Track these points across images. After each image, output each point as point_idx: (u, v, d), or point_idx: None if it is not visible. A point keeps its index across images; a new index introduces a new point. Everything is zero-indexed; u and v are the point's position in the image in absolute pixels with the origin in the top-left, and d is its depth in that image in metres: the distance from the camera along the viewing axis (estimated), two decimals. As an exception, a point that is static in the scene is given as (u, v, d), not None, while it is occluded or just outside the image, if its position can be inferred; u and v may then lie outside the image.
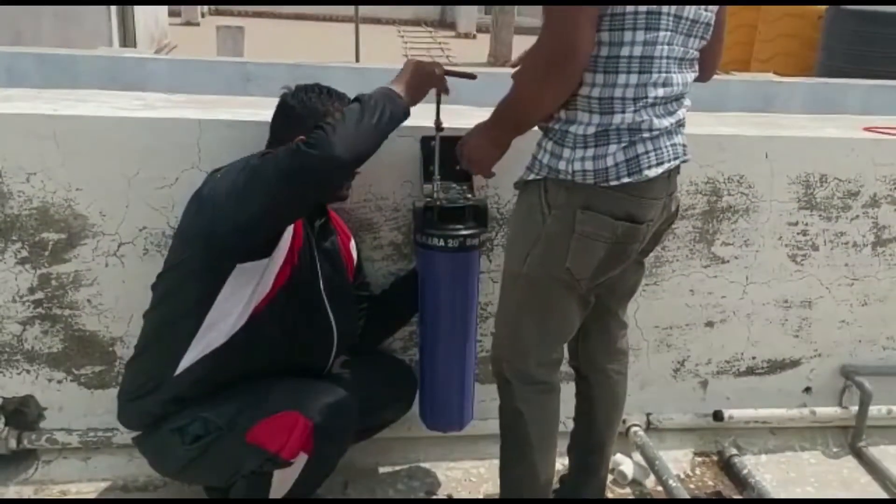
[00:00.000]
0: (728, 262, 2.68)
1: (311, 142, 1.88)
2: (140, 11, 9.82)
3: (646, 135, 1.79)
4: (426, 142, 2.34)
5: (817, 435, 2.88)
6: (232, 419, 1.98)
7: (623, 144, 1.77)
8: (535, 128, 1.94)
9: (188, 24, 16.47)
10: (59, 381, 2.47)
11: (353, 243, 2.36)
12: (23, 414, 2.47)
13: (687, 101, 1.89)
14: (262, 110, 2.28)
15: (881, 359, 2.90)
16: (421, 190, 2.35)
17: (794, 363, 2.86)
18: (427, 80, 2.10)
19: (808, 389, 2.90)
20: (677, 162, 1.88)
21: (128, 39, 9.56)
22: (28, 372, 2.45)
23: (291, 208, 1.98)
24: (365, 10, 12.76)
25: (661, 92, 1.79)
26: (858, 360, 2.88)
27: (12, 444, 2.44)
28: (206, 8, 18.18)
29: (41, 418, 2.50)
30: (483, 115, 2.22)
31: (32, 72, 3.75)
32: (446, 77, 2.14)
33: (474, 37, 17.31)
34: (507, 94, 1.88)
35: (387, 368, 2.44)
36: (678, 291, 2.67)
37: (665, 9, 1.72)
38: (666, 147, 1.83)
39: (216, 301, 1.97)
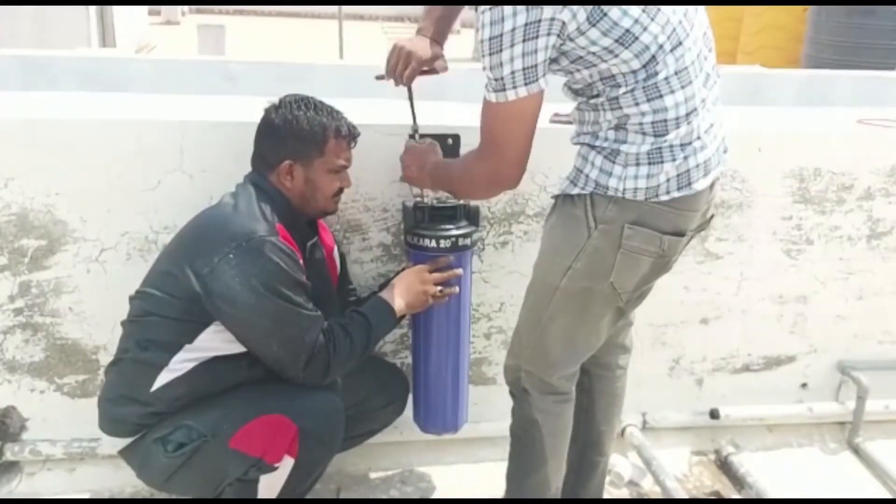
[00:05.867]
0: (722, 258, 2.64)
1: (316, 368, 1.97)
2: (119, 11, 9.68)
3: (697, 144, 1.73)
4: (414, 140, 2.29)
5: (814, 431, 2.85)
6: (215, 425, 1.93)
7: (677, 161, 1.71)
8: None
9: (168, 23, 16.31)
10: (42, 391, 2.41)
11: (336, 251, 2.31)
12: (5, 425, 2.41)
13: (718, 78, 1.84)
14: (247, 110, 2.23)
15: (877, 353, 2.88)
16: (410, 189, 2.30)
17: (790, 359, 2.83)
18: (423, 299, 2.16)
19: (804, 385, 2.87)
20: (721, 168, 1.83)
21: (107, 40, 9.41)
22: (9, 382, 2.39)
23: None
24: (348, 6, 12.67)
25: (704, 93, 1.74)
26: (854, 355, 2.85)
27: (-6, 456, 2.38)
28: (186, 6, 18.02)
29: (24, 429, 2.44)
30: (467, 110, 2.18)
31: (10, 74, 3.67)
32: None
33: (458, 32, 17.23)
34: (450, 175, 2.01)
35: (377, 372, 2.39)
36: (672, 289, 2.63)
37: (673, 18, 1.66)
38: (713, 156, 1.78)
39: (198, 337, 1.95)
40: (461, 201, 2.22)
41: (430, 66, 2.10)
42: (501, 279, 2.54)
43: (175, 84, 3.57)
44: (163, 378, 1.95)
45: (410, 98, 2.17)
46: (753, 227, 2.63)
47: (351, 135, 2.08)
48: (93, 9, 8.73)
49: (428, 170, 2.08)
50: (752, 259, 2.66)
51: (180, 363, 1.95)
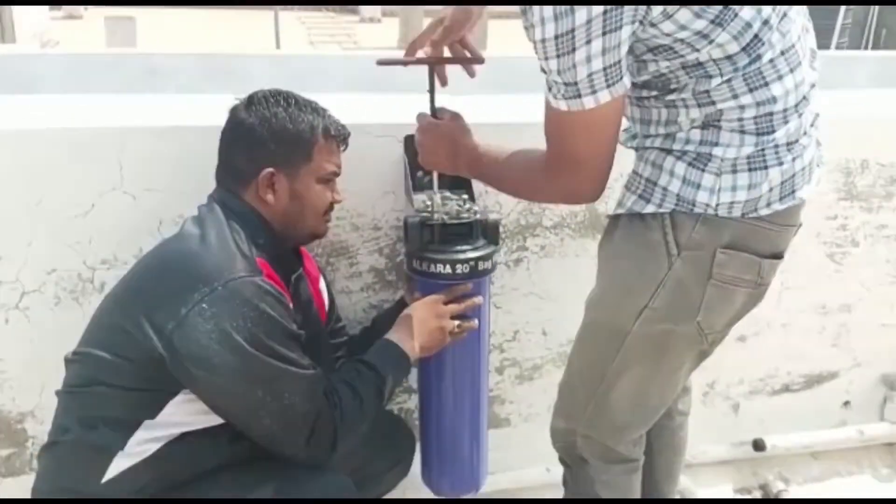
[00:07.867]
0: (762, 266, 2.31)
1: (321, 441, 1.55)
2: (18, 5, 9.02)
3: (804, 141, 1.37)
4: (411, 142, 1.86)
5: (862, 456, 2.55)
6: None
7: (784, 165, 1.35)
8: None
9: (70, 17, 15.48)
10: (-47, 473, 1.93)
11: (322, 283, 1.88)
12: None
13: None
14: (191, 112, 1.79)
15: (926, 365, 2.60)
16: (409, 202, 1.88)
17: (832, 376, 2.53)
18: (440, 337, 1.77)
19: (846, 404, 2.58)
20: (822, 169, 1.48)
21: (6, 36, 8.79)
22: None
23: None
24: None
25: (812, 76, 1.38)
26: (901, 368, 2.56)
27: None
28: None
29: (-69, 522, 1.95)
30: (469, 102, 1.83)
31: None
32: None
33: (379, 21, 16.80)
34: (502, 179, 1.62)
35: (379, 427, 1.92)
36: (708, 305, 2.29)
37: None
38: (815, 155, 1.43)
39: (162, 410, 1.49)
40: (478, 216, 1.81)
41: (465, 25, 1.71)
42: (515, 303, 2.16)
43: (90, 82, 3.11)
44: (118, 465, 1.48)
45: (431, 73, 1.76)
46: (795, 229, 2.30)
47: (341, 134, 1.68)
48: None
49: (464, 160, 1.66)
50: (793, 266, 2.32)
51: (140, 445, 1.48)
